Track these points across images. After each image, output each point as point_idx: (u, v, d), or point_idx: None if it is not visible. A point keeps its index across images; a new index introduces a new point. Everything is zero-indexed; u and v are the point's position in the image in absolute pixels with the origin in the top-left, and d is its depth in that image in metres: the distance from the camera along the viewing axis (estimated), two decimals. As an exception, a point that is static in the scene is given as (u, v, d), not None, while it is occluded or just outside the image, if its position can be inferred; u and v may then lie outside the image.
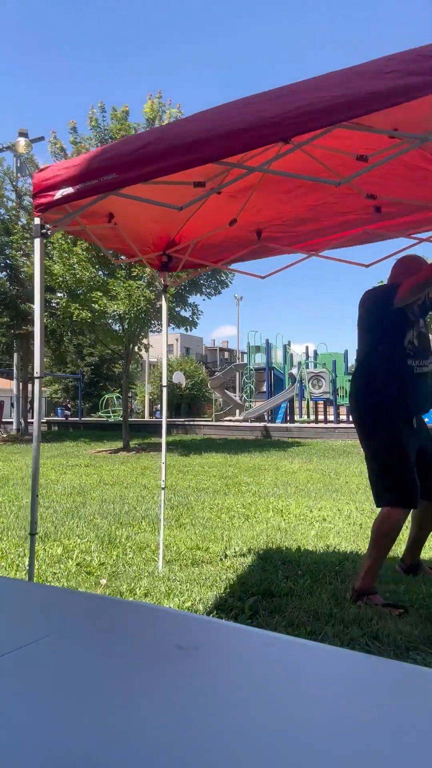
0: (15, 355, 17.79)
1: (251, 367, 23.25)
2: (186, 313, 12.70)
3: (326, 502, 5.58)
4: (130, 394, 25.18)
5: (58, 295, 12.08)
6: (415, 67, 1.47)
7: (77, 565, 3.40)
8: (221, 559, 3.49)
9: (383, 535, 2.69)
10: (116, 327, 12.35)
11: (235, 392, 29.68)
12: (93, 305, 10.65)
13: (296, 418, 20.46)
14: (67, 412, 29.70)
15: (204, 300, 18.67)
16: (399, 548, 3.40)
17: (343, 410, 19.75)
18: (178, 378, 27.32)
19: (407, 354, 2.72)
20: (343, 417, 19.54)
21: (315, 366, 19.70)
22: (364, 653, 0.72)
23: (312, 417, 20.26)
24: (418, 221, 2.95)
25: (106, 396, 25.67)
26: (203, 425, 18.29)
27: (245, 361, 24.94)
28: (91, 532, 4.30)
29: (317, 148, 2.26)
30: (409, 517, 3.08)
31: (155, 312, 11.12)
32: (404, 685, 0.62)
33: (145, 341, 13.65)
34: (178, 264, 3.52)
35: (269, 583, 2.94)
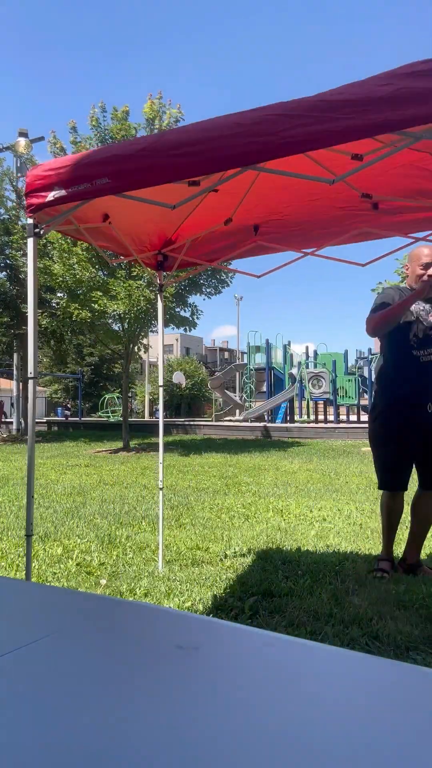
0: (15, 355, 17.80)
1: (251, 367, 23.24)
2: (186, 313, 12.71)
3: (326, 502, 5.58)
4: (130, 394, 25.17)
5: (58, 295, 12.08)
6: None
7: (77, 565, 3.40)
8: (221, 559, 3.49)
9: (382, 514, 3.20)
10: (116, 327, 12.36)
11: (235, 392, 29.68)
12: (93, 305, 10.65)
13: (296, 418, 20.45)
14: (67, 412, 29.70)
15: (204, 300, 18.70)
16: (399, 548, 3.40)
17: (343, 410, 19.77)
18: (178, 378, 27.29)
19: (412, 346, 3.03)
20: (343, 417, 19.55)
21: (315, 366, 19.69)
22: (364, 653, 0.72)
23: (312, 417, 20.26)
24: (416, 220, 2.95)
25: (106, 396, 25.67)
26: (203, 425, 18.28)
27: (245, 361, 24.93)
28: (91, 532, 4.31)
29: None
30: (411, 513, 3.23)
31: (155, 312, 11.11)
32: (404, 685, 0.62)
33: (144, 341, 13.64)
34: (173, 263, 3.51)
35: (269, 583, 2.94)
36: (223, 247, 3.40)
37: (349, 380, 18.97)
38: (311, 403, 20.01)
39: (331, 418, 19.10)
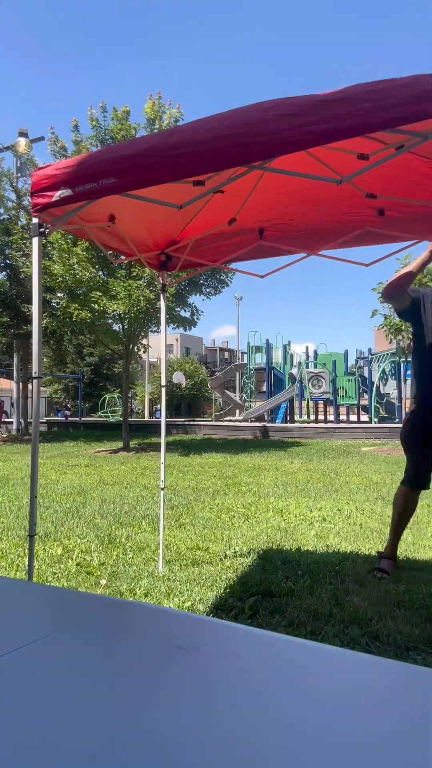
0: (15, 356, 17.80)
1: (251, 367, 23.25)
2: (186, 313, 12.71)
3: (326, 502, 5.58)
4: (130, 394, 25.17)
5: (58, 295, 12.08)
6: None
7: (77, 565, 3.40)
8: (221, 559, 3.49)
9: (396, 510, 3.19)
10: (116, 327, 12.36)
11: (235, 392, 29.68)
12: (93, 305, 10.64)
13: (296, 418, 20.46)
14: (67, 412, 29.69)
15: (204, 300, 18.69)
16: (400, 549, 3.40)
17: (342, 410, 19.78)
18: (178, 378, 27.30)
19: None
20: (343, 417, 19.55)
21: (315, 366, 19.71)
22: (364, 653, 0.72)
23: (312, 417, 20.26)
24: (422, 225, 2.94)
25: (106, 396, 25.67)
26: (203, 425, 18.28)
27: (245, 361, 24.94)
28: (91, 532, 4.31)
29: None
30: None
31: (155, 312, 11.11)
32: (404, 685, 0.62)
33: (144, 341, 13.64)
34: (176, 263, 3.51)
35: (269, 583, 2.94)
36: (227, 248, 3.40)
37: (349, 380, 18.98)
38: (311, 403, 20.03)
39: (331, 418, 19.11)
